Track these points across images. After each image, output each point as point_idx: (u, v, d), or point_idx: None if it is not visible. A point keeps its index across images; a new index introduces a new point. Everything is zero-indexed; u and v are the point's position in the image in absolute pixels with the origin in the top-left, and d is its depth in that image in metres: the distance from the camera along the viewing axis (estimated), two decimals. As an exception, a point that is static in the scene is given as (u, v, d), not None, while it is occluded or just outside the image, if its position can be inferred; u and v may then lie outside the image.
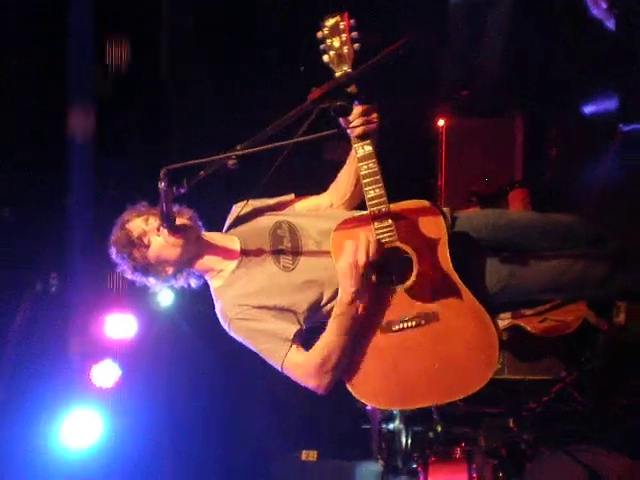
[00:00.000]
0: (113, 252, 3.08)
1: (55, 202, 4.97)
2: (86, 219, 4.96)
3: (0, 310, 4.86)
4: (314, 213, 3.22)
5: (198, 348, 5.62)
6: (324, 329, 2.91)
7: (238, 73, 6.02)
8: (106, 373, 5.17)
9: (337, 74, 2.82)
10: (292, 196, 3.28)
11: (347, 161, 3.13)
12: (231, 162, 2.67)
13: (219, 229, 3.25)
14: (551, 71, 5.41)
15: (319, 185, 3.31)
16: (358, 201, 3.14)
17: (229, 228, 3.22)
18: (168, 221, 2.88)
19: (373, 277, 2.82)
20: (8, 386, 4.80)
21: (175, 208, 2.93)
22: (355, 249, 2.73)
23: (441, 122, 6.06)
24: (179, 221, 2.95)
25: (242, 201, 3.20)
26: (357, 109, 2.83)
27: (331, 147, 5.83)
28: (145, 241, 3.00)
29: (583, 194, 4.84)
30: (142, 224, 3.03)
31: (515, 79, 5.72)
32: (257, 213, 3.19)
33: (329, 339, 2.85)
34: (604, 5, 4.43)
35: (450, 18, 5.88)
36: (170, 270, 3.06)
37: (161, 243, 3.00)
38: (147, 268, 3.04)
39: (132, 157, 5.32)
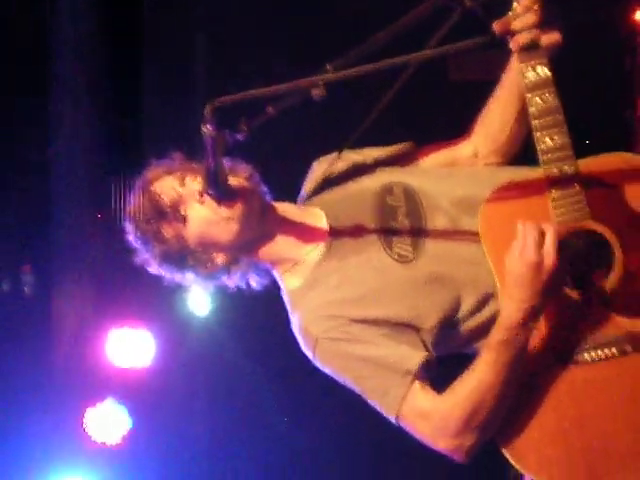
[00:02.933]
0: (130, 230, 2.57)
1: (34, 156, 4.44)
2: (77, 182, 4.46)
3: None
4: (446, 172, 2.67)
5: (252, 383, 4.84)
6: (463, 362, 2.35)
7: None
8: (108, 421, 4.51)
9: None
10: (410, 145, 2.73)
11: (501, 84, 2.58)
12: (317, 91, 2.18)
13: (290, 199, 2.68)
14: None
15: (441, 125, 2.80)
16: (518, 148, 2.62)
17: (309, 196, 2.68)
18: (217, 183, 2.36)
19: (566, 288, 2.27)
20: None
21: (227, 163, 2.41)
22: (536, 240, 2.20)
23: None
24: (233, 182, 2.43)
25: (329, 154, 2.67)
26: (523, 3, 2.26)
27: (458, 63, 4.96)
28: (182, 212, 2.48)
29: None
30: (176, 186, 2.51)
31: None
32: (354, 172, 2.66)
33: (481, 379, 2.28)
34: None
35: None
36: (220, 259, 2.55)
37: (206, 216, 2.47)
38: (184, 255, 2.54)
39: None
